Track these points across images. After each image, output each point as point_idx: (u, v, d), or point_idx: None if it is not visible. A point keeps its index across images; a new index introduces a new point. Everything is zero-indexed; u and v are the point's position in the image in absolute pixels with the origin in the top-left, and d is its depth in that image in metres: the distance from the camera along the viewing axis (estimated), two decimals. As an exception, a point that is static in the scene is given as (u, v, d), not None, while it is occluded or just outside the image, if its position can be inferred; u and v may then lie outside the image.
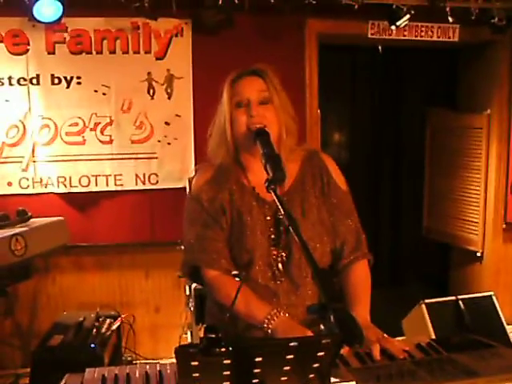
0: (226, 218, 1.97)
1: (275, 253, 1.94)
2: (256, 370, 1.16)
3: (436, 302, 3.73)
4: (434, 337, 3.16)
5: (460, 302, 3.75)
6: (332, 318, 1.24)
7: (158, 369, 1.69)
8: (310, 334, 1.71)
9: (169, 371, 1.68)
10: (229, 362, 1.13)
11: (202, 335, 2.29)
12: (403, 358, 1.67)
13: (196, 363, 1.12)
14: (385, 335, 1.78)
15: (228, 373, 1.15)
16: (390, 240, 5.86)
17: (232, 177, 2.00)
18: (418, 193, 5.58)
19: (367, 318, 1.87)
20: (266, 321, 1.79)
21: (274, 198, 1.61)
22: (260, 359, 1.14)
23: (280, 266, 1.93)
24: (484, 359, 1.66)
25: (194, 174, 2.12)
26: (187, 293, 3.49)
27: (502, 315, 3.84)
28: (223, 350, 1.11)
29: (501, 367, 1.60)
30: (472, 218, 4.98)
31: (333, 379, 1.34)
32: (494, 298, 3.88)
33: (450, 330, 3.59)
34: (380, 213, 5.81)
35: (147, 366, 1.71)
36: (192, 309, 3.29)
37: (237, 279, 1.91)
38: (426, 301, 3.67)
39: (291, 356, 1.16)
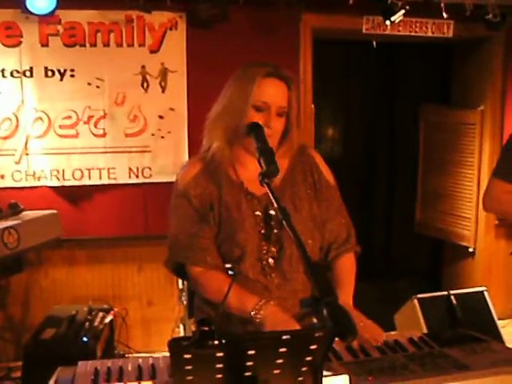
0: (214, 214, 1.95)
1: (266, 247, 1.93)
2: (249, 363, 1.16)
3: (428, 296, 3.74)
4: (425, 331, 3.18)
5: (452, 297, 3.77)
6: (325, 311, 1.24)
7: (150, 362, 1.70)
8: (297, 327, 1.72)
9: (161, 364, 1.68)
10: (221, 354, 1.13)
11: (194, 329, 2.29)
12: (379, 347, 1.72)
13: (189, 356, 1.12)
14: (364, 320, 1.79)
15: (221, 365, 1.15)
16: (383, 235, 5.87)
17: (221, 171, 1.98)
18: (411, 188, 5.60)
19: (349, 304, 1.87)
20: (255, 311, 1.78)
21: (268, 191, 1.60)
22: (253, 352, 1.14)
23: (271, 260, 1.93)
24: (475, 353, 1.67)
25: (182, 167, 2.08)
26: (180, 287, 3.49)
27: (493, 310, 3.86)
28: (216, 342, 1.11)
29: (492, 361, 1.61)
30: (464, 213, 5.00)
31: (325, 373, 1.34)
32: (485, 293, 3.90)
33: (441, 325, 3.61)
34: (373, 208, 5.82)
35: (140, 360, 1.72)
36: (185, 303, 3.30)
37: (230, 272, 1.90)
38: (419, 296, 3.68)
39: (284, 349, 1.16)
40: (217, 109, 1.97)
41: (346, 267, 2.03)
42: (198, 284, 1.98)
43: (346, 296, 1.89)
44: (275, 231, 1.93)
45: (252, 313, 1.79)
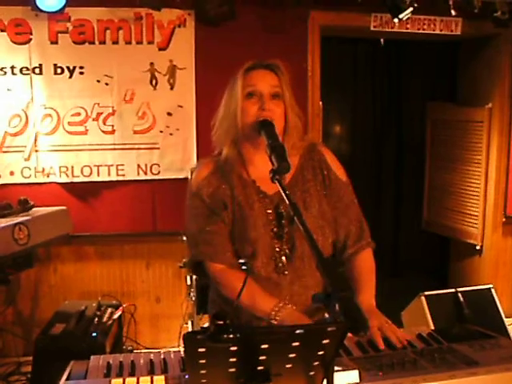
0: (228, 212, 1.97)
1: (278, 246, 1.95)
2: (262, 357, 1.18)
3: (435, 294, 3.74)
4: (433, 328, 3.19)
5: (459, 295, 3.76)
6: (337, 306, 1.25)
7: (162, 357, 1.71)
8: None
9: (173, 359, 1.70)
10: (235, 348, 1.14)
11: (202, 325, 2.31)
12: (401, 347, 1.70)
13: (203, 349, 1.13)
14: (388, 322, 1.81)
15: (234, 359, 1.17)
16: (391, 232, 5.87)
17: (233, 170, 2.00)
18: (419, 186, 5.60)
19: (372, 304, 1.88)
20: (274, 313, 1.81)
21: (279, 188, 1.61)
22: (266, 346, 1.16)
23: (283, 259, 1.95)
24: (484, 349, 1.68)
25: (194, 168, 2.12)
26: (188, 283, 3.51)
27: (500, 308, 3.86)
28: (230, 336, 1.12)
29: (501, 357, 1.62)
30: (472, 211, 4.99)
31: (336, 368, 1.35)
32: (492, 290, 3.90)
33: (449, 322, 3.61)
34: (381, 205, 5.82)
35: (151, 354, 1.73)
36: (193, 299, 3.31)
37: (244, 267, 1.91)
38: (426, 293, 3.68)
39: (297, 343, 1.17)
40: (218, 116, 2.02)
41: (366, 266, 2.04)
42: (218, 281, 2.01)
43: (368, 296, 1.89)
44: (286, 230, 1.95)
45: (271, 315, 1.82)
